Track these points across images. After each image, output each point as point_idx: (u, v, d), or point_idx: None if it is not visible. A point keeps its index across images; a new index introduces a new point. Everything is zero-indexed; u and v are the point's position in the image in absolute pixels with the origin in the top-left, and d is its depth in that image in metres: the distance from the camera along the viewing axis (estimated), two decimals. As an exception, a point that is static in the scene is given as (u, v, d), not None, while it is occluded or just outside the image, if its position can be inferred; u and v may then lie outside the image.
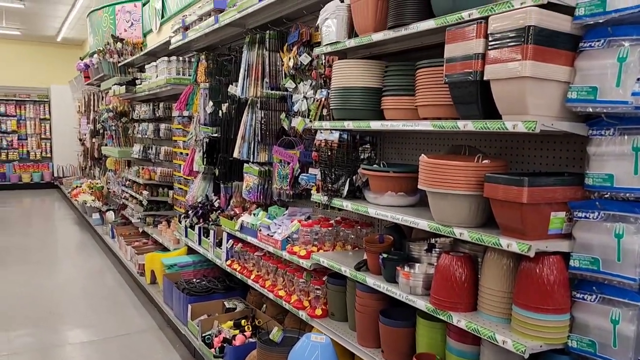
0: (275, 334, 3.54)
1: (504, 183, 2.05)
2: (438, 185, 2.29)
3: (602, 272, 1.96)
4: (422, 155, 2.44)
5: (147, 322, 5.62)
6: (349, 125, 3.03)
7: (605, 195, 1.99)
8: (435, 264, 2.70)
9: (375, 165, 2.98)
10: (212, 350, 4.06)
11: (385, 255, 2.76)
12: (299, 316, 3.56)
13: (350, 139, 3.30)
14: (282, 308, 4.31)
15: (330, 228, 3.57)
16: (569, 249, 2.06)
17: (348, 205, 3.05)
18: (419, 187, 2.44)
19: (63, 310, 5.97)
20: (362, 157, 3.32)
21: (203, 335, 4.32)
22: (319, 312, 3.41)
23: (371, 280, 2.85)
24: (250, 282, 4.28)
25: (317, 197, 3.35)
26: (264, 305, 4.57)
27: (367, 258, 2.99)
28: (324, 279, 3.48)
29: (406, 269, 2.70)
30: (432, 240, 2.88)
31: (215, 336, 4.23)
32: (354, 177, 3.14)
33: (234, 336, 4.11)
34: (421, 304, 2.50)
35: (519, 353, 2.01)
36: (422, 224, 2.49)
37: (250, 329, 4.25)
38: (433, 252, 2.75)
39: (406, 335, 2.75)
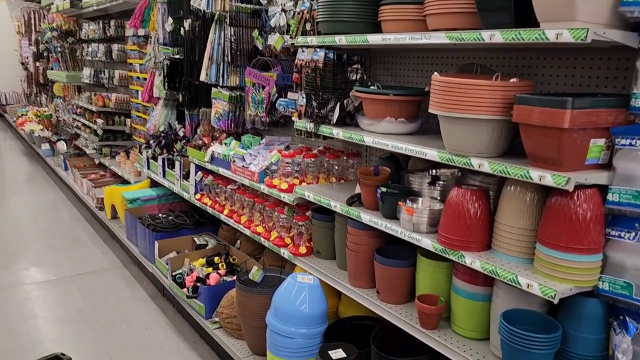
0: (255, 273, 3.27)
1: (541, 105, 1.74)
2: (456, 108, 1.97)
3: (647, 208, 1.71)
4: (435, 73, 2.10)
5: (110, 259, 5.28)
6: (341, 40, 2.63)
7: (656, 119, 1.71)
8: (439, 198, 2.44)
9: (371, 87, 2.62)
10: (185, 290, 3.78)
11: (384, 189, 2.47)
12: (281, 254, 3.28)
13: (337, 59, 2.90)
14: (257, 244, 4.03)
15: (314, 159, 3.24)
16: (607, 181, 1.80)
17: (339, 133, 2.70)
18: (431, 111, 2.11)
19: (16, 248, 5.54)
20: (351, 78, 2.94)
21: (173, 274, 4.02)
22: (303, 249, 3.14)
23: (366, 217, 2.56)
24: (223, 217, 3.95)
25: (300, 124, 2.99)
26: (238, 242, 4.28)
27: (360, 192, 2.69)
28: (307, 214, 3.19)
29: (409, 204, 2.42)
30: (435, 172, 2.60)
31: (187, 274, 3.93)
32: (345, 102, 2.77)
33: (208, 275, 3.83)
34: (427, 242, 2.24)
35: (548, 298, 1.79)
36: (431, 154, 2.18)
37: (225, 267, 3.97)
38: (437, 185, 2.47)
39: (405, 276, 2.52)
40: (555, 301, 1.78)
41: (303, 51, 3.00)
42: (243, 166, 3.63)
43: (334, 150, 3.42)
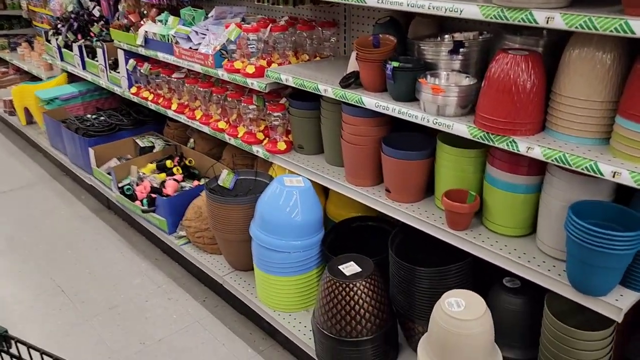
0: (226, 178, 2.73)
1: None
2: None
3: None
4: None
5: (35, 172, 4.53)
6: None
7: None
8: (462, 70, 1.95)
9: None
10: (138, 203, 3.21)
11: (396, 64, 1.93)
12: (254, 152, 2.75)
13: None
14: (215, 141, 3.45)
15: (284, 32, 2.60)
16: None
17: (326, -7, 2.07)
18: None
19: None
20: None
21: (120, 185, 3.41)
22: (282, 145, 2.61)
23: (371, 101, 2.04)
24: (171, 113, 3.30)
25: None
26: (191, 140, 3.66)
27: (358, 70, 2.14)
28: (282, 102, 2.62)
29: (431, 80, 1.91)
30: (452, 37, 2.07)
31: (137, 184, 3.34)
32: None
33: (163, 183, 3.26)
34: (460, 128, 1.78)
35: (644, 188, 1.41)
36: (470, 10, 1.63)
37: (181, 171, 3.40)
38: (459, 53, 1.96)
39: (422, 169, 2.08)
40: (655, 192, 1.41)
41: None
42: (190, 48, 2.93)
43: (305, 20, 2.77)
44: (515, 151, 1.66)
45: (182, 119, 3.22)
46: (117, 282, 3.08)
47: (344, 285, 1.99)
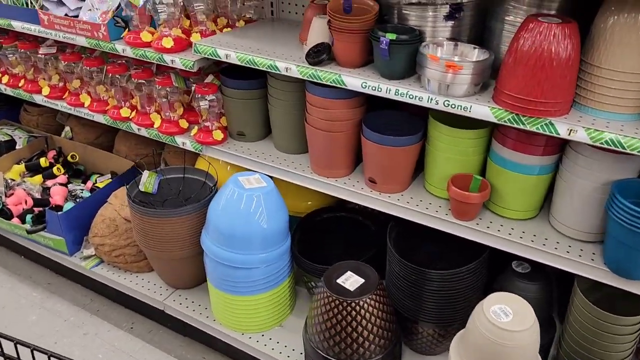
0: (148, 181, 2.18)
1: None
2: None
3: None
4: None
5: None
6: None
7: None
8: (457, 38, 1.68)
9: None
10: (16, 221, 2.48)
11: (392, 36, 1.58)
12: (180, 146, 2.23)
13: None
14: (101, 127, 2.80)
15: (205, -8, 2.06)
16: None
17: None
18: None
19: None
20: None
21: (-18, 200, 2.62)
22: (218, 135, 2.14)
23: (355, 81, 1.69)
24: (44, 100, 2.56)
25: None
26: (67, 129, 2.92)
27: (329, 41, 1.76)
28: (208, 80, 2.12)
29: (435, 52, 1.61)
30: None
31: (6, 195, 2.59)
32: None
33: (47, 190, 2.56)
34: (482, 111, 1.53)
35: None
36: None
37: (63, 170, 2.71)
38: (457, 18, 1.67)
39: (413, 154, 1.81)
40: None
41: None
42: (67, 15, 2.23)
43: (222, -25, 2.25)
44: (554, 134, 1.46)
45: (61, 106, 2.51)
46: (6, 324, 2.40)
47: (348, 304, 1.68)
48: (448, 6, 1.65)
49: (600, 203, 1.57)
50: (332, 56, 1.77)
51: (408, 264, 1.76)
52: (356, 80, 1.69)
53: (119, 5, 2.15)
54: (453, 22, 1.68)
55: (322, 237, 2.19)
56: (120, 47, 2.12)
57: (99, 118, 2.41)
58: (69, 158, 2.76)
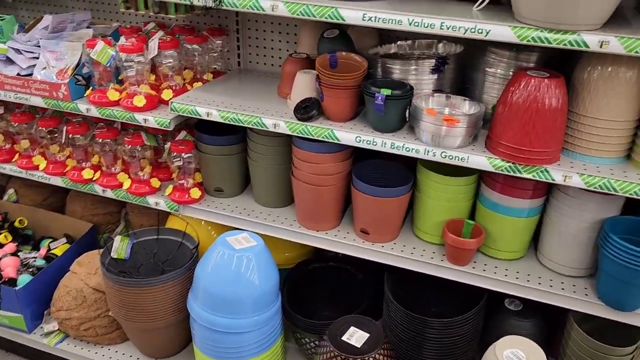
0: (120, 247, 2.04)
1: None
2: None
3: None
4: None
5: None
6: None
7: None
8: (442, 89, 1.74)
9: None
10: (-38, 300, 2.22)
11: (388, 92, 1.60)
12: (153, 206, 2.11)
13: None
14: (48, 188, 2.61)
15: (176, 48, 1.99)
16: None
17: (277, 5, 1.58)
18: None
19: None
20: None
21: None
22: (196, 193, 2.05)
23: (349, 135, 1.69)
24: (-12, 164, 2.34)
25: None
26: (10, 191, 2.68)
27: (317, 96, 1.75)
28: (181, 137, 2.04)
29: (438, 109, 1.65)
30: (439, 51, 1.83)
31: (-55, 271, 2.32)
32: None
33: (-4, 262, 2.32)
34: (479, 161, 1.58)
35: (699, 208, 1.42)
36: (500, 31, 1.39)
37: (10, 237, 2.48)
38: (442, 70, 1.73)
39: (405, 203, 1.83)
40: None
41: None
42: (19, 74, 2.07)
43: (186, 28, 2.18)
44: (550, 181, 1.53)
45: (10, 169, 2.30)
46: (-44, 419, 2.13)
47: (359, 361, 1.65)
48: (434, 60, 1.70)
49: (589, 240, 1.66)
50: (322, 111, 1.76)
51: (411, 314, 1.76)
52: (349, 135, 1.69)
53: (79, 63, 2.03)
54: (438, 74, 1.73)
55: (309, 289, 2.15)
56: (83, 107, 1.99)
57: (56, 181, 2.23)
58: (16, 223, 2.53)
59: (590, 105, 1.51)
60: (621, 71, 1.46)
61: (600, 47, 1.34)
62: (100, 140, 2.07)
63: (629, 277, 1.53)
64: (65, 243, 2.44)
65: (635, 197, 1.46)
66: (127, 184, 2.11)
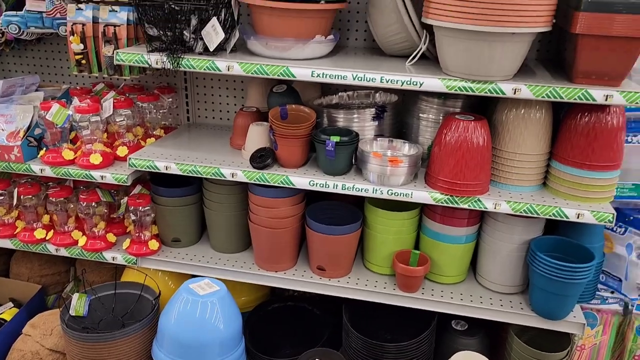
0: (78, 304, 2.04)
1: (630, 11, 1.45)
2: (500, 21, 1.47)
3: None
4: (454, -28, 1.50)
5: None
6: None
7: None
8: (384, 134, 1.95)
9: None
10: None
11: (337, 139, 1.78)
12: (110, 261, 2.14)
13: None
14: None
15: (131, 107, 2.08)
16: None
17: (233, 66, 1.74)
18: (444, 24, 1.53)
19: None
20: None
21: None
22: (154, 245, 2.11)
23: (302, 180, 1.84)
24: None
25: (130, 56, 1.81)
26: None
27: (271, 145, 1.90)
28: (137, 191, 2.11)
29: (382, 152, 1.84)
30: (377, 100, 2.04)
31: None
32: (222, 14, 1.77)
33: (-62, 333, 2.22)
34: (422, 195, 1.78)
35: (605, 224, 1.68)
36: (432, 83, 1.63)
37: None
38: (383, 118, 1.94)
39: (356, 239, 1.99)
40: (613, 224, 1.69)
41: None
42: (-34, 139, 2.07)
43: (138, 88, 2.28)
44: (482, 209, 1.75)
45: (-47, 235, 2.25)
46: None
47: (326, 391, 1.75)
48: (374, 109, 1.91)
49: (520, 259, 1.89)
50: (276, 159, 1.91)
51: (369, 340, 1.89)
52: (303, 180, 1.84)
53: (30, 125, 2.07)
54: (378, 121, 1.94)
55: (270, 329, 2.23)
56: (36, 168, 2.02)
57: (5, 243, 2.21)
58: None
59: (510, 142, 1.76)
60: (532, 112, 1.73)
61: (514, 93, 1.59)
62: (54, 199, 2.09)
63: (556, 289, 1.76)
64: (13, 307, 2.39)
65: (553, 218, 1.71)
66: (82, 241, 2.13)
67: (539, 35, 1.61)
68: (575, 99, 1.56)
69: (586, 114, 1.68)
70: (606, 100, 1.55)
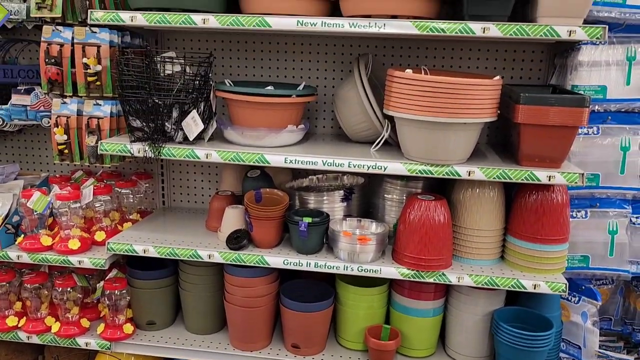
0: (50, 393, 2.01)
1: (560, 104, 1.67)
2: (452, 112, 1.66)
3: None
4: (408, 71, 1.70)
5: None
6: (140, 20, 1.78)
7: (598, 109, 1.92)
8: (353, 215, 2.08)
9: (267, 88, 1.89)
10: None
11: (309, 220, 1.90)
12: (83, 347, 2.13)
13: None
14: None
15: (110, 194, 2.17)
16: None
17: (211, 154, 1.87)
18: (403, 115, 1.72)
19: None
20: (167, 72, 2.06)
21: None
22: (128, 329, 2.12)
23: (276, 260, 1.93)
24: None
25: (113, 146, 1.92)
26: None
27: (246, 227, 2.00)
28: (112, 275, 2.15)
29: (351, 230, 1.96)
30: (344, 182, 2.19)
31: None
32: (201, 107, 1.92)
33: None
34: (390, 271, 1.89)
35: (560, 293, 1.82)
36: (395, 167, 1.79)
37: None
38: (351, 199, 2.08)
39: (329, 316, 2.06)
40: (566, 294, 1.83)
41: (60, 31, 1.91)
42: (-58, 227, 2.10)
43: (115, 174, 2.38)
44: (447, 282, 1.87)
45: None
46: None
47: None
48: (342, 191, 2.06)
49: (484, 330, 1.99)
50: (251, 240, 2.00)
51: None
52: (277, 259, 1.93)
53: (9, 212, 2.12)
54: (347, 202, 2.08)
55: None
56: (13, 254, 2.06)
57: (-22, 332, 2.18)
58: None
59: (468, 219, 1.92)
60: (486, 192, 1.90)
61: (469, 175, 1.77)
62: (29, 285, 2.11)
63: (520, 358, 1.85)
64: (-24, 400, 2.30)
65: (512, 289, 1.84)
66: (55, 327, 2.12)
67: (487, 123, 1.81)
68: (522, 179, 1.75)
69: (534, 192, 1.86)
70: (549, 180, 1.74)
